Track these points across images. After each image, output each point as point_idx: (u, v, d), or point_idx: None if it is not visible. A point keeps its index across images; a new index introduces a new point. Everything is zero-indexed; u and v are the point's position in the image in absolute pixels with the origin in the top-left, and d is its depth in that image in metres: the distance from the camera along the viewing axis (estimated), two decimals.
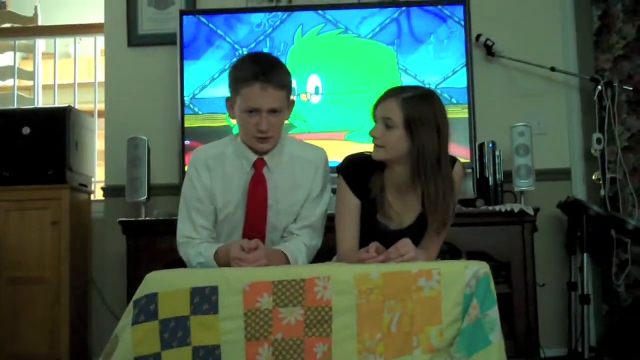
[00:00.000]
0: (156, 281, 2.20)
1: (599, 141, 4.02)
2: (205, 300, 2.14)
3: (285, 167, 2.65)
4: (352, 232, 2.56)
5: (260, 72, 2.47)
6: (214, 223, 2.66)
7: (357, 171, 2.59)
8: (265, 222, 2.65)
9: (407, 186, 2.50)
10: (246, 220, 2.64)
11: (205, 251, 2.54)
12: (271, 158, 2.63)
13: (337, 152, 3.71)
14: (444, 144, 2.47)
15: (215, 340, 2.14)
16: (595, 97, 4.15)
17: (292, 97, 2.65)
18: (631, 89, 4.23)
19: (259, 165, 2.63)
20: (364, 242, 2.45)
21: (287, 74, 2.59)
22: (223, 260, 2.47)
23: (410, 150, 2.44)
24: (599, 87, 4.14)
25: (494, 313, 2.10)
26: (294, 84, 4.06)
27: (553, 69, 4.32)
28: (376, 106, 2.54)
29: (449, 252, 3.66)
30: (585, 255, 3.84)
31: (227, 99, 2.64)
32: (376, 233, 2.50)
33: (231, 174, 2.63)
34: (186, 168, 4.10)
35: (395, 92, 2.51)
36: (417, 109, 2.44)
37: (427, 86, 4.17)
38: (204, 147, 2.81)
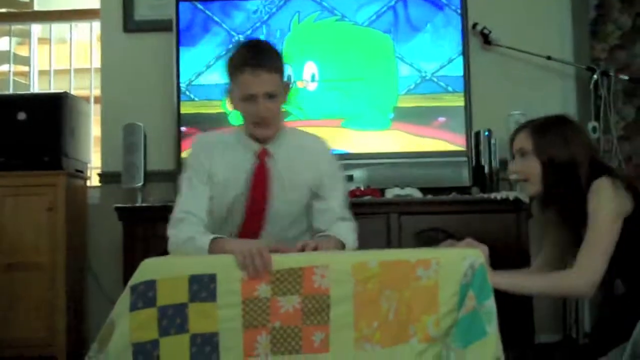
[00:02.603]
0: (152, 267, 2.19)
1: (594, 129, 4.03)
2: (203, 287, 2.14)
3: (289, 156, 2.65)
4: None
5: (250, 56, 2.50)
6: (209, 209, 2.63)
7: None
8: (265, 214, 2.63)
9: None
10: (247, 210, 2.63)
11: (198, 235, 2.46)
12: (274, 148, 2.63)
13: (333, 139, 3.72)
14: (577, 153, 2.45)
15: (213, 327, 2.14)
16: (591, 86, 4.15)
17: (287, 81, 2.68)
18: (627, 78, 4.23)
19: (262, 155, 2.62)
20: None
21: (278, 57, 2.60)
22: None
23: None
24: (595, 76, 4.14)
25: (491, 304, 2.11)
26: (290, 71, 4.13)
27: (549, 58, 4.33)
28: (512, 140, 2.61)
29: (444, 239, 3.69)
30: None
31: (228, 91, 2.64)
32: None
33: (233, 163, 2.62)
34: (182, 154, 4.17)
35: (526, 124, 2.58)
36: (543, 130, 2.49)
37: (423, 74, 4.19)
38: (207, 133, 2.84)
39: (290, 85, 2.74)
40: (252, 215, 2.63)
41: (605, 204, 2.35)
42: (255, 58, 2.49)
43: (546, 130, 2.49)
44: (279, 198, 2.63)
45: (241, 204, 2.63)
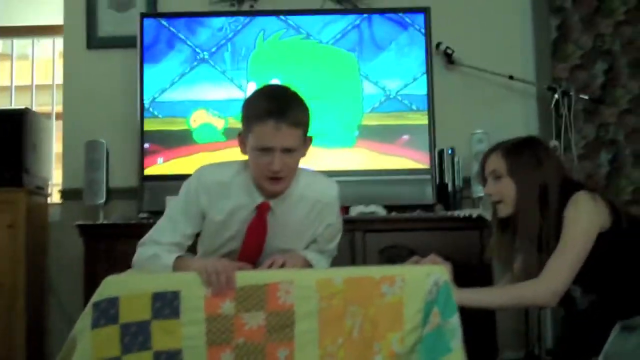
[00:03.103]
0: (115, 284, 2.17)
1: (555, 148, 4.07)
2: (166, 304, 2.13)
3: (291, 209, 2.48)
4: None
5: (275, 109, 2.26)
6: (185, 249, 2.49)
7: None
8: (258, 257, 2.50)
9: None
10: (240, 251, 2.49)
11: (163, 253, 2.39)
12: (277, 202, 2.45)
13: None
14: (549, 175, 2.46)
15: (176, 344, 2.13)
16: (552, 105, 4.20)
17: (310, 135, 2.45)
18: (587, 97, 4.31)
19: (262, 210, 2.45)
20: None
21: (304, 111, 2.39)
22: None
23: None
24: (556, 96, 4.19)
25: (455, 320, 2.11)
26: (255, 88, 4.13)
27: (511, 77, 4.38)
28: (483, 163, 2.58)
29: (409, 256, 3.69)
30: None
31: (239, 134, 2.41)
32: None
33: (232, 209, 2.45)
34: (145, 171, 4.14)
35: (496, 146, 2.57)
36: (516, 152, 2.49)
37: (387, 93, 4.21)
38: (211, 168, 2.55)
39: (311, 140, 2.47)
40: (245, 257, 2.46)
41: (583, 216, 2.36)
42: (279, 111, 2.27)
43: (519, 152, 2.50)
44: (273, 246, 2.50)
45: (235, 244, 2.50)
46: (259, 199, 2.43)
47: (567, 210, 2.37)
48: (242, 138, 2.40)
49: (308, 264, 2.51)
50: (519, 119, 4.56)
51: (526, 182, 2.45)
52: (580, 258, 2.34)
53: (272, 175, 2.33)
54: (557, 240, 2.38)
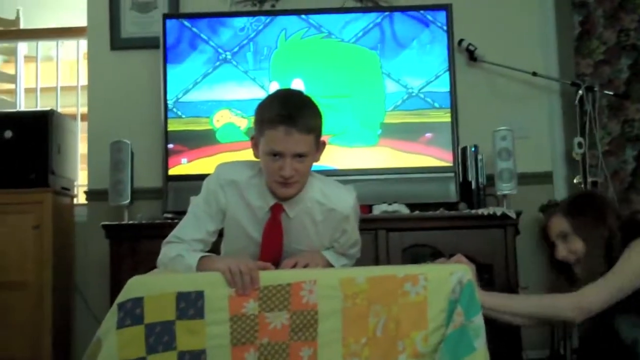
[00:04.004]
0: (139, 285, 2.19)
1: (580, 145, 4.03)
2: (191, 304, 2.15)
3: (305, 214, 2.49)
4: None
5: (286, 115, 2.27)
6: (209, 245, 2.52)
7: None
8: (279, 255, 2.52)
9: None
10: (261, 251, 2.51)
11: (187, 253, 2.40)
12: (290, 205, 2.46)
13: (321, 155, 3.72)
14: (612, 227, 2.54)
15: (200, 344, 2.14)
16: (576, 102, 4.17)
17: (322, 139, 2.45)
18: (611, 93, 4.28)
19: (276, 212, 2.47)
20: None
21: (316, 116, 2.38)
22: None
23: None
24: (580, 92, 4.16)
25: (479, 319, 2.12)
26: (278, 87, 4.14)
27: (534, 74, 4.36)
28: (546, 229, 2.68)
29: (433, 255, 3.69)
30: None
31: (252, 137, 2.45)
32: None
33: (249, 209, 2.48)
34: (169, 171, 4.17)
35: (555, 209, 2.72)
36: (577, 209, 2.60)
37: (410, 90, 4.21)
38: (229, 166, 2.59)
39: (325, 144, 2.48)
40: (265, 258, 2.44)
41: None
42: (291, 117, 2.27)
43: (580, 209, 2.60)
44: (293, 248, 2.52)
45: (255, 247, 2.52)
46: (272, 202, 2.45)
47: (631, 246, 2.44)
48: (254, 141, 2.42)
49: (329, 265, 2.53)
50: (543, 116, 4.55)
51: (593, 238, 2.53)
52: (622, 287, 2.39)
53: (283, 180, 2.34)
54: None
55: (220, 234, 2.59)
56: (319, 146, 2.43)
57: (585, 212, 2.57)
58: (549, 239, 2.67)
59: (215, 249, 2.55)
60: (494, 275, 3.79)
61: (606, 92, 4.28)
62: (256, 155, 2.43)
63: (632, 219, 2.70)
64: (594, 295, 2.37)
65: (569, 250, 2.58)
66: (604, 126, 4.36)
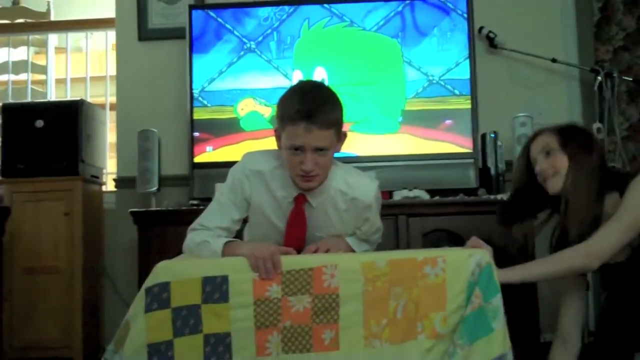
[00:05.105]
0: (166, 270, 2.23)
1: (599, 130, 4.04)
2: (216, 289, 2.19)
3: (328, 203, 2.51)
4: None
5: (305, 112, 2.28)
6: (234, 233, 2.55)
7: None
8: (303, 243, 2.55)
9: None
10: (285, 238, 2.54)
11: (212, 239, 2.43)
12: (313, 195, 2.49)
13: None
14: (598, 161, 2.50)
15: (225, 327, 2.19)
16: (595, 88, 4.20)
17: (344, 130, 2.46)
18: (630, 79, 4.30)
19: (299, 202, 2.50)
20: None
21: (336, 111, 2.39)
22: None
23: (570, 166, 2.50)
24: (599, 78, 4.19)
25: (497, 301, 2.14)
26: (301, 76, 4.21)
27: (554, 60, 4.38)
28: (529, 148, 2.61)
29: (451, 241, 3.75)
30: None
31: (275, 129, 2.46)
32: None
33: (273, 198, 2.51)
34: (195, 159, 4.24)
35: (542, 130, 2.61)
36: (568, 130, 2.55)
37: (430, 78, 4.26)
38: (255, 156, 2.59)
39: (346, 135, 2.49)
40: (290, 243, 2.48)
41: None
42: (310, 113, 2.28)
43: (571, 131, 2.55)
44: (315, 236, 2.55)
45: (279, 236, 2.55)
46: (295, 192, 2.48)
47: (631, 186, 2.37)
48: (277, 134, 2.44)
49: (351, 250, 2.57)
50: (562, 102, 4.56)
51: (579, 159, 2.47)
52: (631, 227, 2.34)
53: (304, 173, 2.36)
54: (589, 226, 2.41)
55: (244, 220, 2.63)
56: (340, 137, 2.44)
57: (575, 137, 2.52)
58: (529, 158, 2.60)
59: (238, 234, 2.60)
60: (511, 259, 3.80)
61: (625, 78, 4.29)
62: (279, 147, 2.45)
63: (616, 170, 2.62)
64: (601, 239, 2.33)
65: (550, 164, 2.50)
66: (623, 112, 4.37)
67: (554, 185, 2.51)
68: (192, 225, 2.54)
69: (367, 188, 2.54)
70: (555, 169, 2.49)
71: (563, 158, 2.48)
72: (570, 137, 2.51)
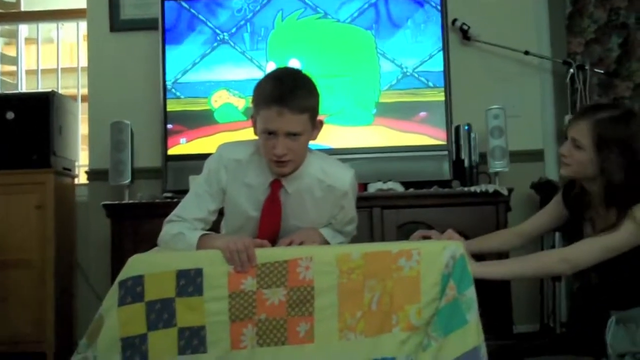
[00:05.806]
0: (141, 263, 2.22)
1: (570, 122, 4.08)
2: (190, 282, 2.19)
3: (304, 190, 2.52)
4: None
5: (278, 95, 2.30)
6: (210, 224, 2.56)
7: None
8: (277, 234, 2.56)
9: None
10: (259, 229, 2.55)
11: (187, 231, 2.43)
12: (289, 181, 2.50)
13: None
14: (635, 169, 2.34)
15: (200, 321, 2.19)
16: (567, 80, 4.24)
17: (320, 118, 2.47)
18: (602, 71, 4.34)
19: (275, 187, 2.51)
20: None
21: (311, 97, 2.41)
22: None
23: (596, 174, 2.38)
24: (571, 70, 4.23)
25: (471, 293, 2.14)
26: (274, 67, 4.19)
27: (527, 53, 4.42)
28: (570, 123, 2.47)
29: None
30: (556, 233, 3.88)
31: (251, 115, 2.48)
32: None
33: (249, 186, 2.53)
34: (169, 151, 4.22)
35: (589, 112, 2.41)
36: (608, 131, 2.34)
37: (404, 70, 4.27)
38: (230, 146, 2.62)
39: (322, 123, 2.50)
40: (263, 234, 2.50)
41: None
42: (282, 97, 2.30)
43: (614, 129, 2.35)
44: (291, 225, 2.56)
45: (254, 222, 2.56)
46: (271, 178, 2.50)
47: (627, 216, 2.31)
48: (254, 119, 2.46)
49: (325, 242, 2.57)
50: (535, 94, 4.60)
51: (610, 173, 2.34)
52: (612, 251, 2.31)
53: (277, 158, 2.38)
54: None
55: (221, 213, 2.64)
56: (315, 125, 2.45)
57: (613, 133, 2.33)
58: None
59: (215, 227, 2.60)
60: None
61: (597, 70, 4.33)
62: (255, 134, 2.46)
63: None
64: (580, 252, 2.31)
65: (572, 157, 2.40)
66: None
67: (565, 171, 2.48)
68: (169, 217, 2.54)
69: (343, 176, 2.55)
70: (570, 162, 2.43)
71: (588, 162, 2.38)
72: (610, 141, 2.34)
